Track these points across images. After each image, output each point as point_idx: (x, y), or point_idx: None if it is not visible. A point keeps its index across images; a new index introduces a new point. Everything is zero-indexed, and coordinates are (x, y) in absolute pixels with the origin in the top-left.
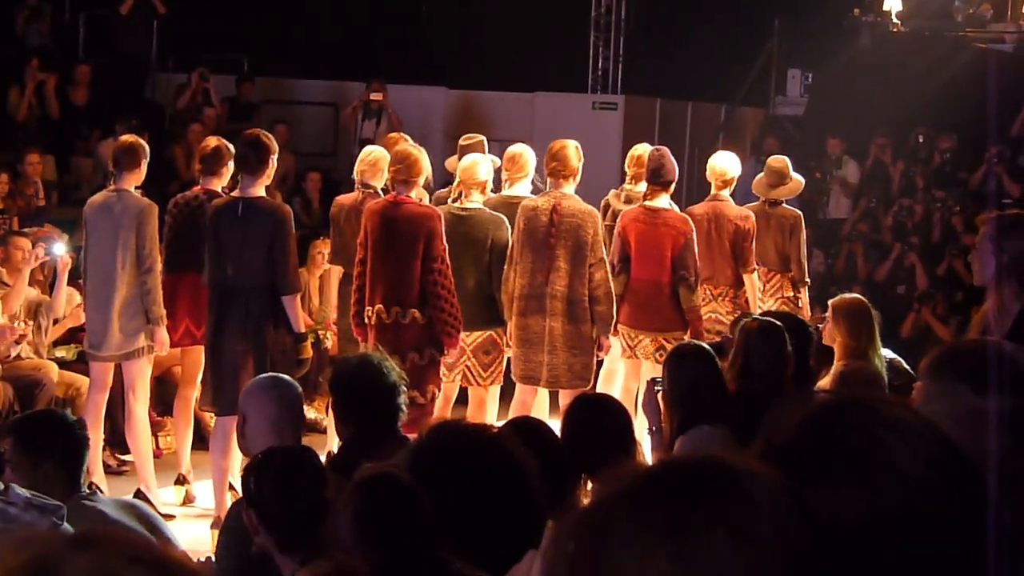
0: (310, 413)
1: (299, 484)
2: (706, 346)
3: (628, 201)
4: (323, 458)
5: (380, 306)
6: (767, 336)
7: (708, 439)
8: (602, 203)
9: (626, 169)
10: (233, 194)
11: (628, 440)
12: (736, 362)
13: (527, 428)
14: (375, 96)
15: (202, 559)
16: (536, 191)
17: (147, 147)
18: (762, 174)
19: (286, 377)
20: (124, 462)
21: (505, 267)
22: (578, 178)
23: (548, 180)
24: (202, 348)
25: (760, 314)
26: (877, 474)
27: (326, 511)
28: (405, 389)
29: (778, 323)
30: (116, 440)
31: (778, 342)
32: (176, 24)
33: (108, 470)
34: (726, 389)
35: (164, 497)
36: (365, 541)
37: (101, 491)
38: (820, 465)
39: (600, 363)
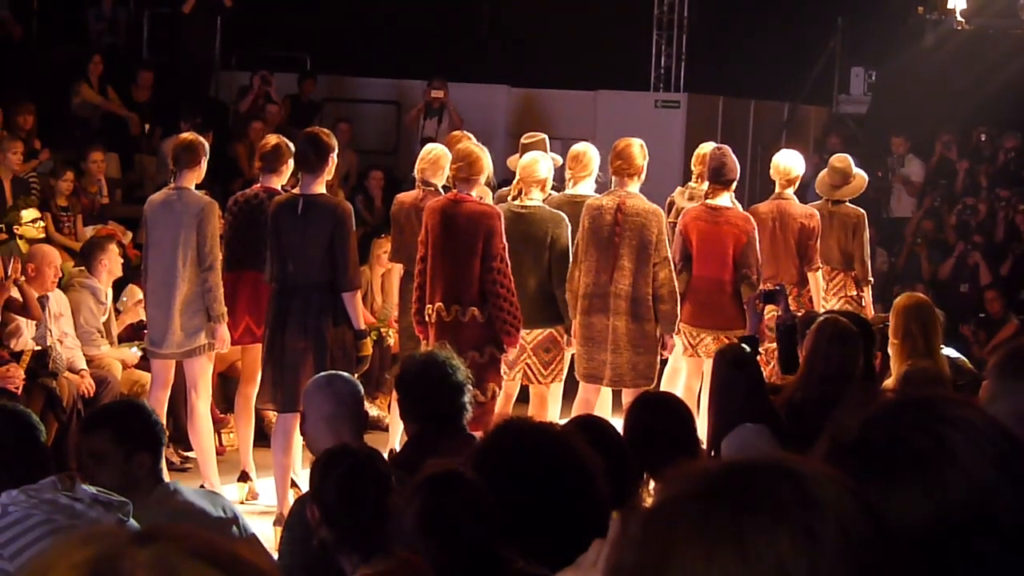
0: (372, 410)
1: (363, 490)
2: (745, 347)
3: (693, 199)
4: (385, 455)
5: (440, 304)
6: (842, 340)
7: (753, 437)
8: (667, 201)
9: (692, 167)
10: (294, 192)
11: (691, 440)
12: (806, 363)
13: (591, 426)
14: (436, 94)
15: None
16: (600, 189)
17: (207, 144)
18: (825, 173)
19: (343, 374)
20: (187, 459)
21: (570, 265)
22: (643, 176)
23: (612, 178)
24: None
25: (824, 312)
26: (942, 473)
27: (389, 513)
28: (471, 387)
29: (854, 327)
30: (179, 437)
31: (852, 345)
32: (239, 22)
33: (171, 467)
34: (765, 391)
35: (227, 494)
36: (429, 538)
37: None
38: (885, 464)
39: (664, 362)
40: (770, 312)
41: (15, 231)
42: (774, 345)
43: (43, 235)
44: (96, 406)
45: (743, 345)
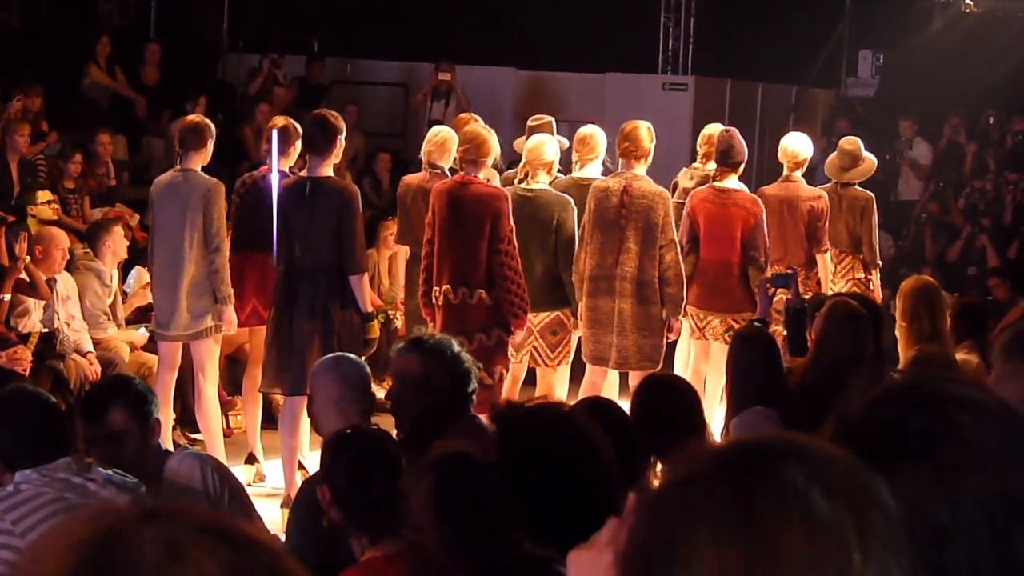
0: (379, 392)
1: (374, 472)
2: (761, 327)
3: (702, 181)
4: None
5: (447, 286)
6: (852, 322)
7: (762, 420)
8: (672, 182)
9: (697, 148)
10: (301, 174)
11: (698, 421)
12: (816, 346)
13: (598, 408)
14: (444, 76)
15: None
16: (607, 172)
17: (213, 127)
18: (834, 155)
19: (351, 356)
20: (195, 441)
21: (576, 248)
22: (650, 159)
23: (619, 161)
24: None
25: (833, 294)
26: (949, 454)
27: (400, 496)
28: (476, 374)
29: (863, 309)
30: (186, 419)
31: (861, 328)
32: (247, 5)
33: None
34: (781, 373)
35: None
36: (439, 519)
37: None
38: (890, 445)
39: (671, 345)
40: (779, 295)
41: (29, 211)
42: (782, 328)
43: (56, 217)
44: (90, 391)
45: (756, 324)
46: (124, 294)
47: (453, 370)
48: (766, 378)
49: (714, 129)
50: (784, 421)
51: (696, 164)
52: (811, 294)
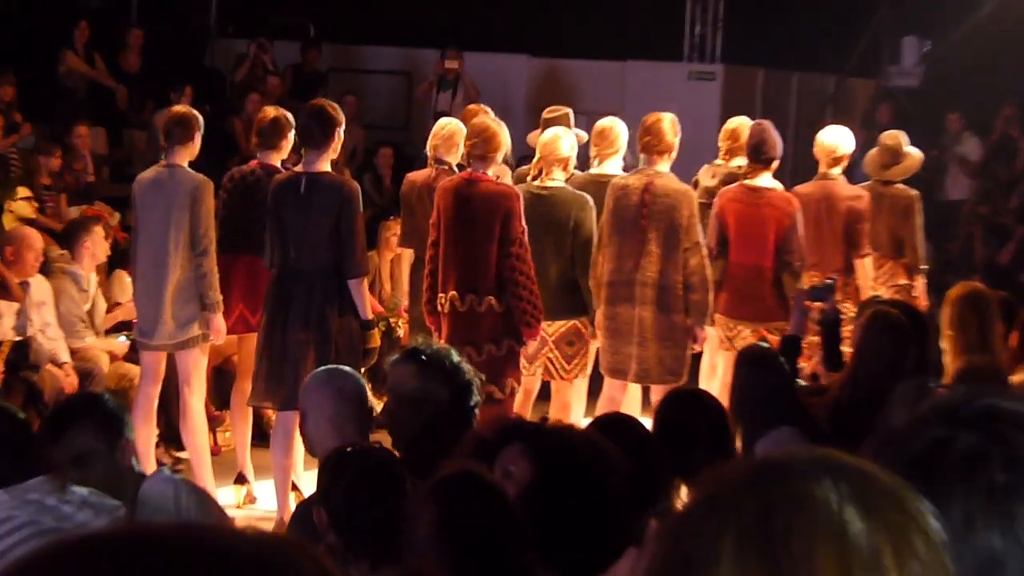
0: (379, 407)
1: (376, 494)
2: (766, 346)
3: (727, 180)
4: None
5: (454, 293)
6: (894, 333)
7: (787, 442)
8: (692, 180)
9: (719, 143)
10: (296, 169)
11: (725, 440)
12: (854, 360)
13: (617, 426)
14: (451, 65)
15: None
16: (627, 168)
17: (200, 118)
18: (875, 151)
19: (345, 369)
20: (180, 460)
21: (593, 251)
22: (674, 154)
23: (641, 156)
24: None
25: (877, 303)
26: (1001, 474)
27: (402, 520)
28: (478, 385)
29: (905, 319)
30: (171, 436)
31: (903, 339)
32: None
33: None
34: (792, 391)
35: (223, 498)
36: (445, 545)
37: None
38: (937, 464)
39: (697, 357)
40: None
41: (7, 208)
42: (817, 338)
43: (35, 215)
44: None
45: (762, 343)
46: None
47: (452, 382)
48: (767, 398)
49: (738, 123)
50: (811, 441)
51: (718, 161)
52: (848, 302)
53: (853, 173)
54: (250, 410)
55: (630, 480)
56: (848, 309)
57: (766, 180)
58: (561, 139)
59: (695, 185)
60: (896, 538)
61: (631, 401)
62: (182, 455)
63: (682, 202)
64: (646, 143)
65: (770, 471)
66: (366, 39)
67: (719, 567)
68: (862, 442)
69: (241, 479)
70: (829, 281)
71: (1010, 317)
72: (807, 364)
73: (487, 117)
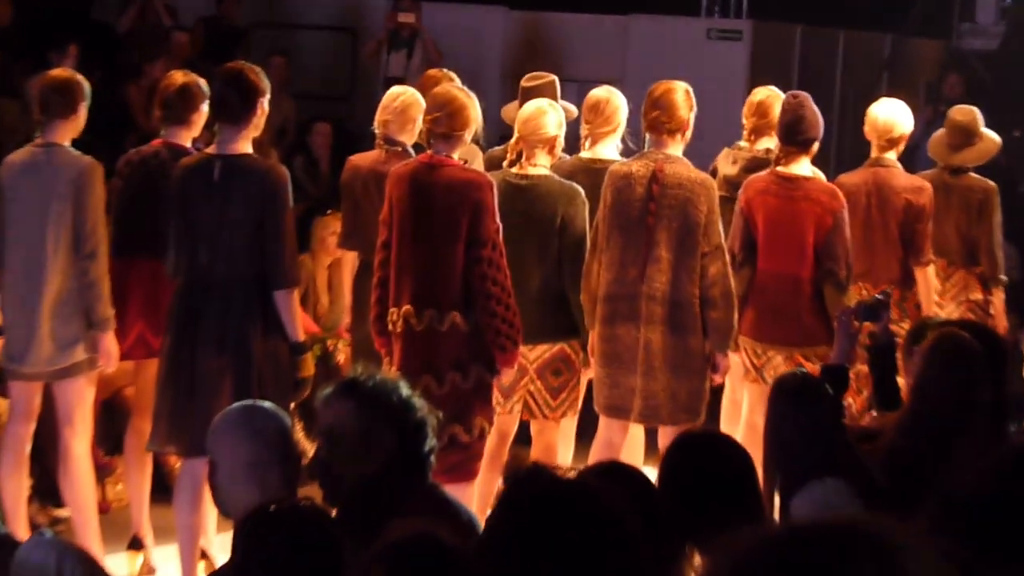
0: (312, 450)
1: (307, 561)
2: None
3: (753, 168)
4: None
5: (408, 307)
6: (963, 362)
7: (831, 497)
8: (710, 168)
9: (743, 120)
10: (208, 151)
11: (750, 496)
12: (913, 396)
13: (614, 476)
14: (405, 18)
15: None
16: (628, 152)
17: (87, 85)
18: (942, 131)
19: (266, 406)
20: (59, 519)
21: (586, 256)
22: (688, 134)
23: (647, 136)
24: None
25: (941, 324)
26: None
27: None
28: (434, 425)
29: (978, 344)
30: (47, 489)
31: (975, 370)
32: None
33: (36, 530)
34: (843, 434)
35: (113, 567)
36: None
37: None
38: (1014, 533)
39: (716, 390)
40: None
41: None
42: (867, 368)
43: None
44: None
45: (803, 370)
46: None
47: (400, 422)
48: (810, 442)
49: (766, 94)
50: (861, 497)
51: (741, 143)
52: (909, 322)
53: (914, 158)
54: (149, 457)
55: (639, 543)
56: (905, 330)
57: (804, 167)
58: (546, 114)
59: (713, 174)
60: None
61: (633, 446)
62: (62, 513)
63: (699, 194)
64: (653, 119)
65: (802, 548)
66: None
67: None
68: (922, 501)
69: (137, 543)
70: (882, 296)
71: None
72: (855, 400)
73: (452, 85)
